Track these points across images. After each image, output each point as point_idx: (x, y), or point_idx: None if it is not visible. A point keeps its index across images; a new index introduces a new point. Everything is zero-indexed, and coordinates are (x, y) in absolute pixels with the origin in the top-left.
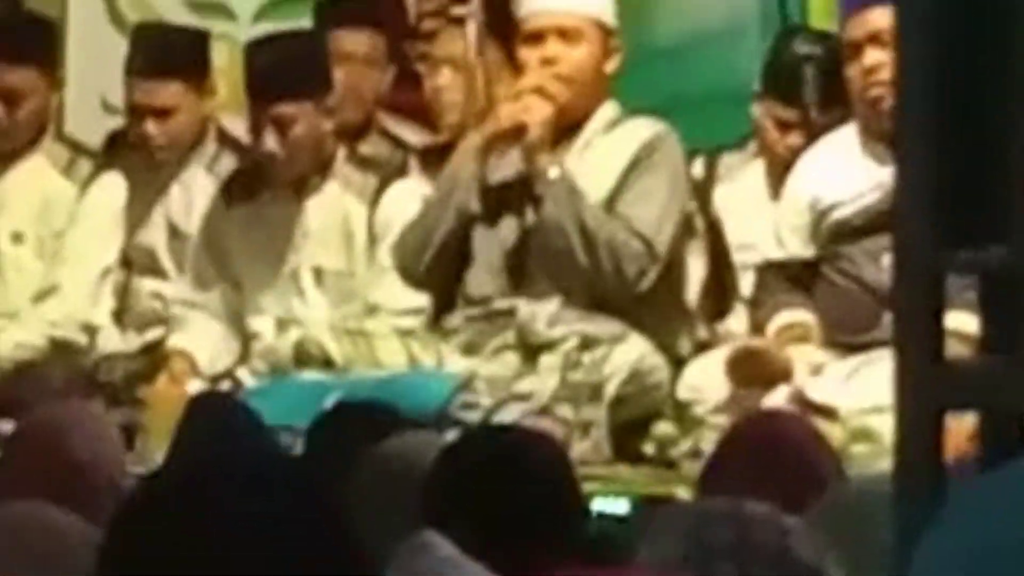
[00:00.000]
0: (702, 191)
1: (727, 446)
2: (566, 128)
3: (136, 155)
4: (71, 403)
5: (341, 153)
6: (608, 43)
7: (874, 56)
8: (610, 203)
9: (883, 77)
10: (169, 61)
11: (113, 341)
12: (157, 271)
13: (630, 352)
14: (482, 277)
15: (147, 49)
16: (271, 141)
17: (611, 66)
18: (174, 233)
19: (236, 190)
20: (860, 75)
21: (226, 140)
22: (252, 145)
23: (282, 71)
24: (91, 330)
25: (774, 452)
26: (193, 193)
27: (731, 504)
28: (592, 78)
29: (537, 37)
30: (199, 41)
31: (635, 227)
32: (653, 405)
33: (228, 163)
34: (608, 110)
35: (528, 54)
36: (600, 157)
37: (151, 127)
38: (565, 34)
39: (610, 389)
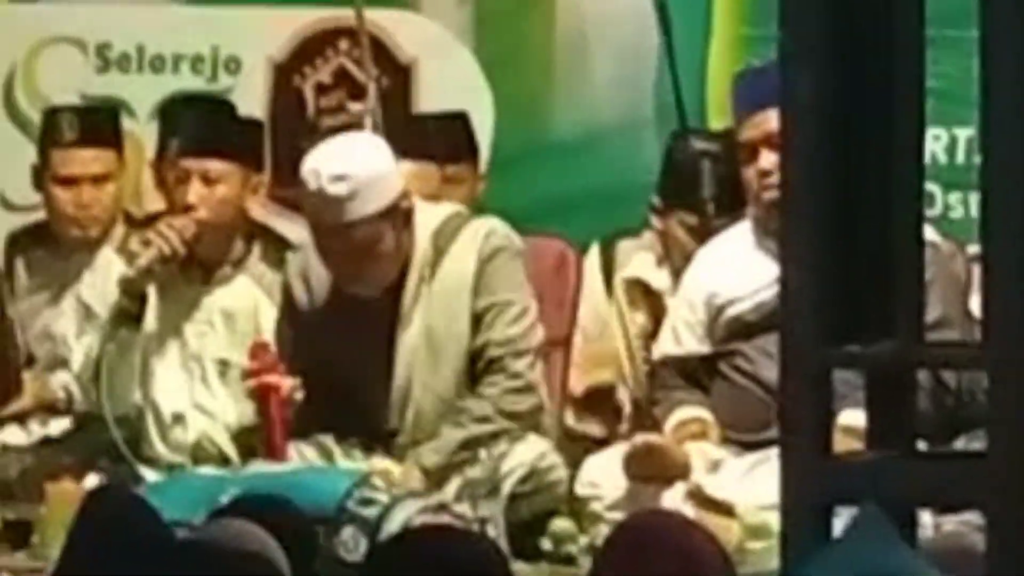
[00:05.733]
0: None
1: (607, 547)
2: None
3: (43, 248)
4: None
5: (257, 249)
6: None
7: (769, 159)
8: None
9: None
10: (93, 132)
11: (13, 435)
12: (64, 362)
13: (529, 451)
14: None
15: (70, 123)
16: (194, 194)
17: None
18: (88, 316)
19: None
20: (756, 176)
21: (134, 223)
22: (169, 198)
23: (218, 129)
24: None
25: (654, 551)
26: (106, 277)
27: None
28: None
29: None
30: (115, 115)
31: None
32: (551, 503)
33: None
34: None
35: None
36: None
37: (87, 194)
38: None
39: (507, 487)
